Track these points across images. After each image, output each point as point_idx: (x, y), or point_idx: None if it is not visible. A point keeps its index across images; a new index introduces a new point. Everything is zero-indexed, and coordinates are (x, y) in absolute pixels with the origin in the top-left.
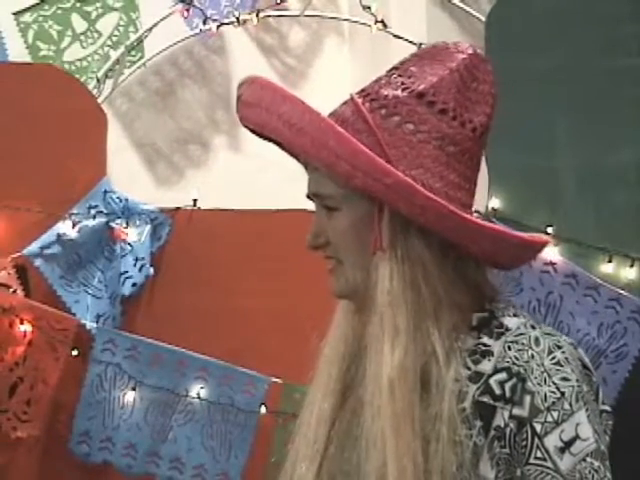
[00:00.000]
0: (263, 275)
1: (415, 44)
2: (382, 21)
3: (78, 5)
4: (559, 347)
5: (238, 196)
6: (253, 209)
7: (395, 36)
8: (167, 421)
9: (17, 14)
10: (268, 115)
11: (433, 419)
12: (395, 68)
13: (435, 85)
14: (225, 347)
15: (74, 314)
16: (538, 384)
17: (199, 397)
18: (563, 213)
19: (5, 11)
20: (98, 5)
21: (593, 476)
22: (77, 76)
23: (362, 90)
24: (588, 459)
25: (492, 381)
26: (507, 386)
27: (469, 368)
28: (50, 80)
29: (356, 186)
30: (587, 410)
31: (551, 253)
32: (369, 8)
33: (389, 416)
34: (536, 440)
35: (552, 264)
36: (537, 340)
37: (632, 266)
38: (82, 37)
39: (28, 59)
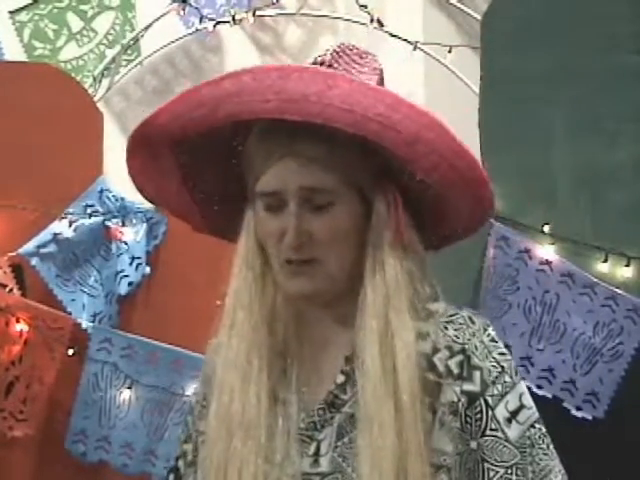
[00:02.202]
0: None
1: (411, 43)
2: (378, 20)
3: (74, 4)
4: (488, 325)
5: None
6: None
7: (391, 35)
8: (163, 420)
9: (13, 13)
10: (325, 106)
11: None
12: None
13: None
14: None
15: (70, 313)
16: (481, 360)
17: None
18: (559, 212)
19: (1, 10)
20: (94, 4)
21: (543, 440)
22: (73, 75)
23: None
24: (537, 425)
25: (435, 359)
26: (452, 363)
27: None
28: (46, 79)
29: (385, 141)
30: (523, 383)
31: (547, 252)
32: (365, 7)
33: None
34: (490, 412)
35: (548, 263)
36: (471, 319)
37: (628, 265)
38: (78, 36)
39: (24, 58)
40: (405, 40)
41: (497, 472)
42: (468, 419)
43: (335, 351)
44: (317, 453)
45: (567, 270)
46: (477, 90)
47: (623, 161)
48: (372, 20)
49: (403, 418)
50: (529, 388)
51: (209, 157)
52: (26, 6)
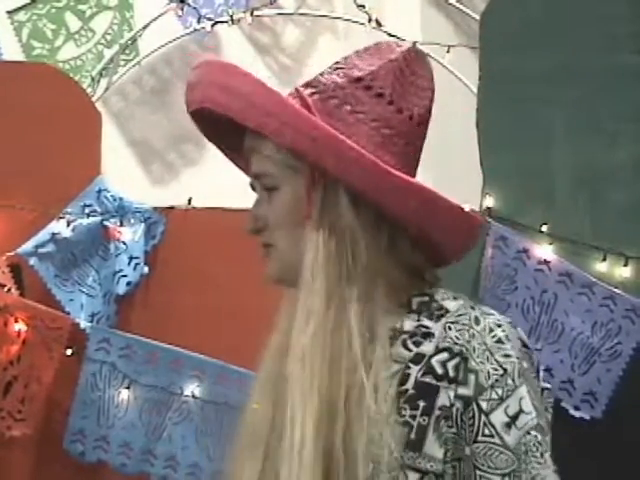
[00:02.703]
0: (257, 274)
1: (409, 42)
2: (376, 20)
3: (72, 4)
4: (499, 325)
5: (233, 195)
6: (247, 208)
7: (389, 35)
8: (162, 420)
9: (11, 13)
10: (206, 88)
11: (359, 397)
12: (337, 62)
13: (373, 72)
14: (220, 345)
15: (68, 313)
16: (481, 362)
17: (194, 396)
18: (558, 212)
19: None
20: (92, 4)
21: (537, 448)
22: (71, 75)
23: (305, 82)
24: (532, 432)
25: (434, 361)
26: (449, 365)
27: (410, 350)
28: (44, 79)
29: (285, 144)
30: (528, 386)
31: (546, 252)
32: (363, 7)
33: (298, 385)
34: (483, 418)
35: (546, 262)
36: (477, 319)
37: (626, 265)
38: (76, 36)
39: (22, 58)
40: (403, 40)
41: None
42: (463, 424)
43: None
44: None
45: (565, 270)
46: (476, 90)
47: (622, 161)
48: (370, 20)
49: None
50: None
51: None
52: (24, 6)
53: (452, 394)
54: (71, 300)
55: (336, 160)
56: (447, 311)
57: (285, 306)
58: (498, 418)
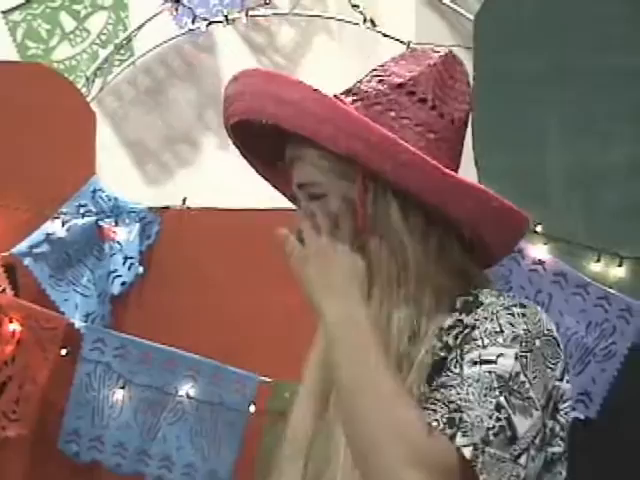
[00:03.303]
0: (252, 274)
1: (404, 43)
2: (371, 20)
3: (67, 4)
4: (523, 306)
5: (227, 195)
6: (242, 208)
7: (384, 35)
8: (156, 420)
9: (6, 13)
10: (253, 99)
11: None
12: (374, 69)
13: (414, 77)
14: (215, 345)
15: (63, 313)
16: (482, 324)
17: (188, 396)
18: (552, 212)
19: None
20: (87, 4)
21: (488, 387)
22: (66, 75)
23: (345, 90)
24: (492, 375)
25: (447, 336)
26: (460, 336)
27: (442, 341)
28: (39, 79)
29: (340, 148)
30: (522, 357)
31: (540, 252)
32: (358, 7)
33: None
34: (459, 359)
35: (541, 263)
36: (503, 304)
37: (620, 265)
38: (71, 36)
39: (17, 58)
40: (398, 40)
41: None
42: (447, 356)
43: None
44: None
45: (560, 270)
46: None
47: (616, 162)
48: (365, 20)
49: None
50: None
51: None
52: (19, 6)
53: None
54: (66, 300)
55: (394, 164)
56: (482, 304)
57: None
58: (469, 356)
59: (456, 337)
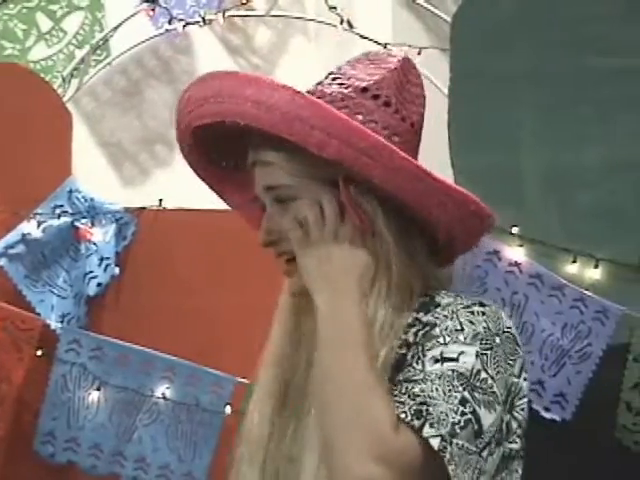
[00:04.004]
0: (229, 274)
1: (381, 44)
2: (348, 21)
3: (43, 4)
4: (482, 305)
5: (204, 196)
6: (218, 209)
7: (361, 36)
8: (132, 421)
9: None
10: (232, 101)
11: None
12: (331, 73)
13: (377, 81)
14: (191, 346)
15: (39, 314)
16: (443, 322)
17: (164, 397)
18: (528, 214)
19: None
20: (63, 4)
21: (450, 383)
22: (42, 75)
23: (305, 92)
24: (455, 373)
25: (409, 334)
26: (420, 333)
27: (401, 338)
28: (15, 79)
29: (329, 154)
30: (482, 354)
31: (516, 254)
32: (335, 8)
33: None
34: (420, 353)
35: (517, 264)
36: (460, 302)
37: (596, 267)
38: (47, 36)
39: None
40: (375, 41)
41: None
42: (411, 352)
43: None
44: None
45: (536, 272)
46: (446, 91)
47: (591, 163)
48: (342, 21)
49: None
50: None
51: None
52: None
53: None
54: (41, 301)
55: (384, 169)
56: (439, 304)
57: (290, 324)
58: (431, 354)
59: (415, 334)
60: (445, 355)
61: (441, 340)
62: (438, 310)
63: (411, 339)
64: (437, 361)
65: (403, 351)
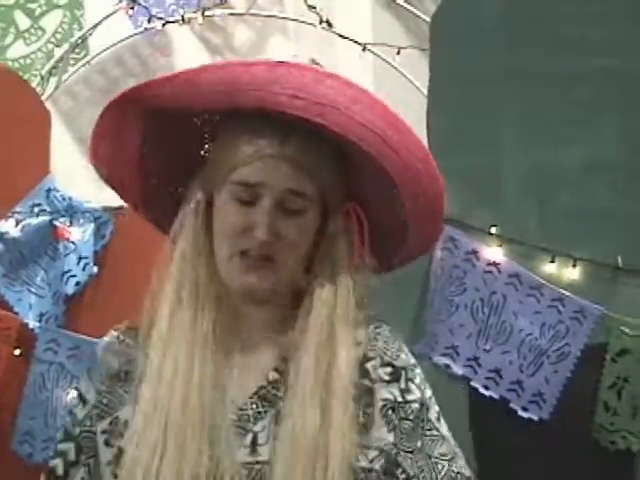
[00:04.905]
0: None
1: (360, 44)
2: (327, 21)
3: (22, 2)
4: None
5: None
6: None
7: (340, 36)
8: None
9: None
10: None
11: None
12: None
13: None
14: None
15: (17, 313)
16: (412, 370)
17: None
18: (507, 213)
19: None
20: (42, 2)
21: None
22: (21, 73)
23: None
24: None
25: (368, 366)
26: (382, 372)
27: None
28: None
29: (413, 206)
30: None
31: (495, 253)
32: (314, 8)
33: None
34: (426, 415)
35: (496, 264)
36: (390, 332)
37: (575, 266)
38: (26, 34)
39: None
40: (354, 41)
41: (444, 465)
42: (417, 420)
43: (266, 350)
44: (254, 443)
45: (514, 271)
46: (426, 92)
47: (570, 163)
48: (321, 21)
49: (331, 422)
50: (476, 389)
51: (172, 136)
52: None
53: (397, 393)
54: (19, 300)
55: (433, 188)
56: (359, 320)
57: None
58: (433, 414)
59: (376, 371)
60: (437, 409)
61: (427, 395)
62: (379, 338)
63: (373, 375)
64: (439, 419)
65: (365, 382)
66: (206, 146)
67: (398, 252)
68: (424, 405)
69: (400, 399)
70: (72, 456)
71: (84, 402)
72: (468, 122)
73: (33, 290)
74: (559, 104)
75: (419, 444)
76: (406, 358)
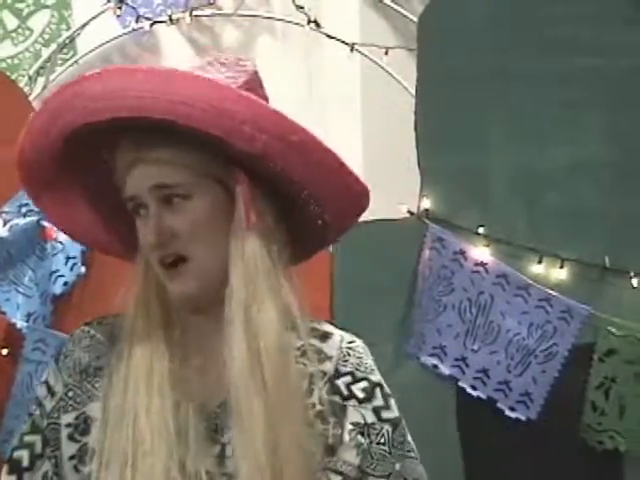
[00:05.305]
0: None
1: (348, 44)
2: (315, 21)
3: (9, 2)
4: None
5: None
6: None
7: (328, 36)
8: None
9: None
10: (152, 98)
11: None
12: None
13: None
14: None
15: (4, 313)
16: (386, 388)
17: None
18: (494, 214)
19: None
20: (30, 2)
21: None
22: (8, 74)
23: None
24: None
25: (339, 382)
26: (356, 388)
27: (305, 365)
28: None
29: (256, 149)
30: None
31: (482, 253)
32: (302, 8)
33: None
34: (405, 436)
35: (483, 264)
36: (365, 349)
37: (562, 267)
38: (13, 34)
39: None
40: (342, 41)
41: None
42: (394, 442)
43: (221, 357)
44: (222, 455)
45: (502, 271)
46: (414, 92)
47: (558, 164)
48: (309, 21)
49: (273, 409)
50: (464, 389)
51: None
52: None
53: (369, 414)
54: (7, 300)
55: (306, 164)
56: (327, 333)
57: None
58: (407, 434)
59: (348, 388)
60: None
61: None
62: (352, 353)
63: (345, 392)
64: (409, 442)
65: (336, 399)
66: None
67: (312, 235)
68: (400, 425)
69: (372, 420)
70: (38, 449)
71: (52, 394)
72: (456, 122)
73: (21, 290)
74: (547, 104)
75: (397, 467)
76: (379, 376)
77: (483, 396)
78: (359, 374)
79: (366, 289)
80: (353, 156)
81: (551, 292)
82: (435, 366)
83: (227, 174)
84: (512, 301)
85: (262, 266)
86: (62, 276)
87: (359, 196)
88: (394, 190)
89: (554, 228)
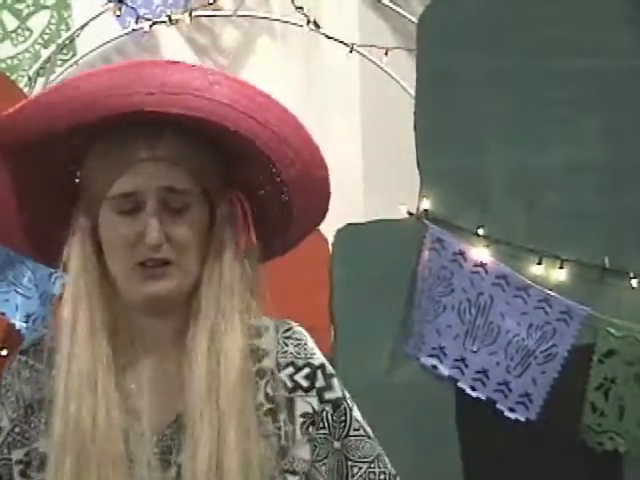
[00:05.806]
0: None
1: (347, 45)
2: (314, 22)
3: (9, 2)
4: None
5: None
6: None
7: (327, 37)
8: None
9: None
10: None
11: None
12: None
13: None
14: None
15: (3, 313)
16: (329, 368)
17: None
18: (494, 214)
19: None
20: (29, 3)
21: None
22: (8, 74)
23: None
24: None
25: (282, 376)
26: (300, 377)
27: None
28: None
29: (289, 174)
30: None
31: (482, 254)
32: (301, 9)
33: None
34: (349, 414)
35: (483, 265)
36: (301, 332)
37: (561, 267)
38: (13, 35)
39: None
40: (341, 41)
41: (361, 467)
42: (334, 423)
43: (176, 368)
44: (179, 475)
45: (501, 272)
46: (413, 92)
47: (557, 164)
48: (308, 22)
49: (226, 432)
50: (463, 390)
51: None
52: None
53: (315, 400)
54: (6, 301)
55: (308, 180)
56: (261, 328)
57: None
58: (356, 414)
59: (292, 379)
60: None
61: (347, 394)
62: (289, 342)
63: (289, 384)
64: (363, 419)
65: (281, 393)
66: (77, 174)
67: (284, 236)
68: (344, 404)
69: (317, 406)
70: None
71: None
72: (455, 122)
73: (20, 291)
74: (546, 105)
75: (337, 445)
76: (321, 357)
77: (482, 397)
78: (300, 362)
79: (366, 289)
80: (353, 156)
81: (550, 293)
82: (434, 367)
83: (220, 191)
84: (511, 302)
85: (237, 289)
86: (61, 277)
87: (315, 157)
88: (393, 191)
89: (553, 229)
